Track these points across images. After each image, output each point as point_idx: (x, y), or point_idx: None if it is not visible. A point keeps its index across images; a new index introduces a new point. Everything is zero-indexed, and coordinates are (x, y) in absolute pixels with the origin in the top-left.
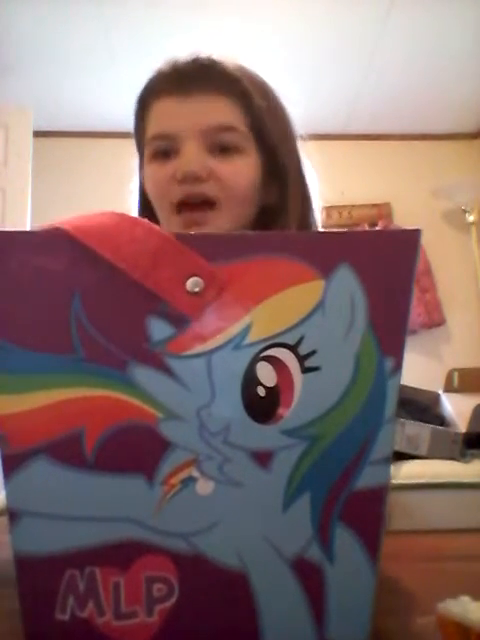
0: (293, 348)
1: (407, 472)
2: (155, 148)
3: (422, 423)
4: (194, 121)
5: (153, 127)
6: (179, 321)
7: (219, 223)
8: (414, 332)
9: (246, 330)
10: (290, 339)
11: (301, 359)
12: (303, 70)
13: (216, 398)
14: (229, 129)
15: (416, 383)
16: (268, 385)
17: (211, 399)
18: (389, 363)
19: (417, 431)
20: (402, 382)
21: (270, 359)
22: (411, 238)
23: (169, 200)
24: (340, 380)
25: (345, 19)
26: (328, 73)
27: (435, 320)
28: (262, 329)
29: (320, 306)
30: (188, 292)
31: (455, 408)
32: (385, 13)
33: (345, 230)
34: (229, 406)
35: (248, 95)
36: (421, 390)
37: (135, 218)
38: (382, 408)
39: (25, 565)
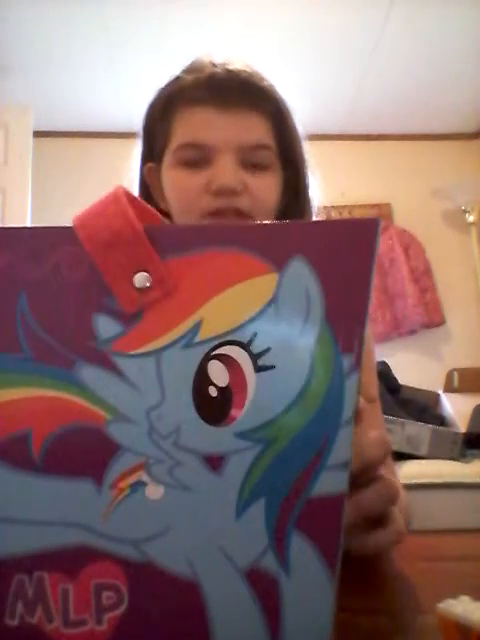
0: (245, 346)
1: (407, 472)
2: (184, 156)
3: (422, 423)
4: (232, 135)
5: (186, 134)
6: (127, 319)
7: None
8: (414, 332)
9: (196, 327)
10: (242, 336)
11: (254, 357)
12: (303, 70)
13: (166, 399)
14: (264, 148)
15: (416, 383)
16: (220, 385)
17: (161, 400)
18: (347, 361)
19: (417, 431)
20: (402, 382)
21: (222, 358)
22: (369, 228)
23: (200, 209)
24: (295, 379)
25: (345, 19)
26: (328, 73)
27: (435, 320)
28: (213, 326)
29: (273, 301)
30: (133, 286)
31: (455, 408)
32: (385, 13)
33: (300, 221)
34: (180, 407)
35: (282, 115)
36: (421, 390)
37: (119, 195)
38: (339, 409)
39: None
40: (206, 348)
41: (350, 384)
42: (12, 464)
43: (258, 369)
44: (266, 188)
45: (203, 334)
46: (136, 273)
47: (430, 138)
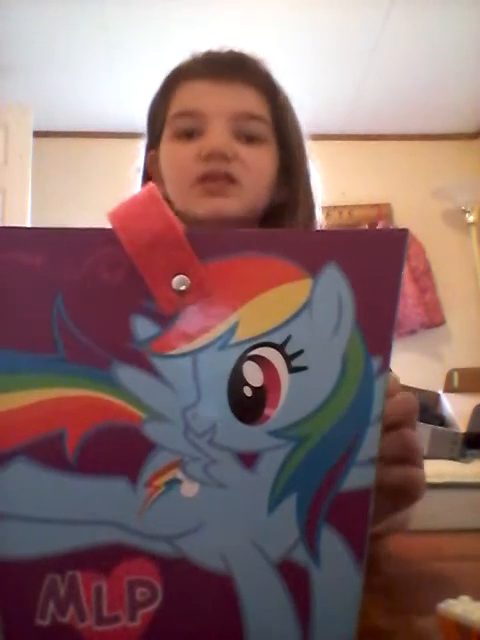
0: (280, 348)
1: None
2: (179, 126)
3: (422, 423)
4: (225, 104)
5: (181, 104)
6: (164, 320)
7: (237, 200)
8: (414, 332)
9: (233, 329)
10: (277, 338)
11: (288, 359)
12: (303, 70)
13: (202, 398)
14: (257, 118)
15: (416, 383)
16: (255, 385)
17: (197, 399)
18: (376, 363)
19: (417, 431)
20: (402, 382)
21: (257, 359)
22: (399, 238)
23: (191, 176)
24: (327, 380)
25: (345, 19)
26: (328, 73)
27: (435, 320)
28: (249, 328)
29: (307, 305)
30: (172, 288)
31: (455, 408)
32: (385, 13)
33: (334, 230)
34: (215, 406)
35: (275, 90)
36: (421, 390)
37: (158, 197)
38: (369, 408)
39: (4, 570)
40: (242, 349)
41: (379, 384)
42: (46, 464)
43: (292, 370)
44: (258, 159)
45: (239, 336)
46: (175, 276)
47: (430, 138)
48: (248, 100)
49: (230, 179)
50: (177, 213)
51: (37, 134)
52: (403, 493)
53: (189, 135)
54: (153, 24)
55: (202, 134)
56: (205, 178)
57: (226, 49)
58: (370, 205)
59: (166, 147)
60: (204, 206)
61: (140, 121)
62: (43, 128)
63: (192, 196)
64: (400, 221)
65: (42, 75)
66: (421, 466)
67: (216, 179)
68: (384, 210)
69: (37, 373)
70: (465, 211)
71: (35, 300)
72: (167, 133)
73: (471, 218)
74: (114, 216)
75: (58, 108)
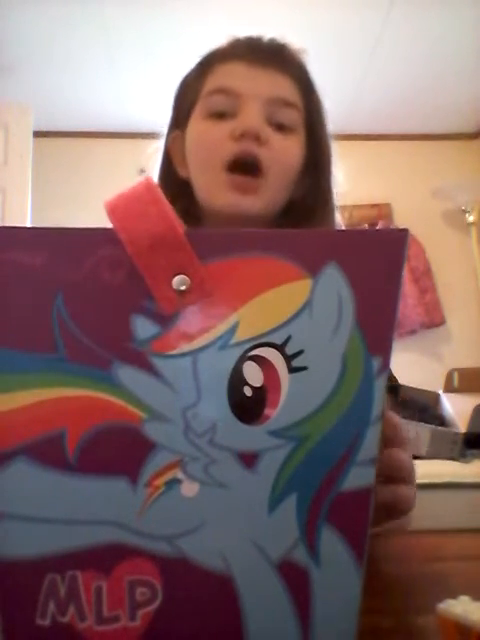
0: (280, 348)
1: None
2: (212, 104)
3: (422, 423)
4: (261, 87)
5: (217, 82)
6: (164, 320)
7: (259, 200)
8: (414, 332)
9: (233, 329)
10: (277, 338)
11: (288, 359)
12: None
13: (202, 398)
14: (291, 106)
15: (416, 383)
16: (255, 385)
17: (197, 399)
18: (376, 363)
19: (417, 431)
20: (402, 382)
21: (257, 359)
22: (399, 238)
23: (221, 157)
24: (327, 380)
25: (345, 19)
26: (328, 73)
27: (435, 320)
28: (249, 328)
29: (308, 305)
30: (172, 288)
31: (455, 408)
32: (385, 13)
33: (334, 229)
34: (215, 406)
35: (309, 83)
36: (421, 390)
37: (158, 195)
38: (369, 408)
39: (4, 569)
40: (242, 349)
41: (379, 384)
42: (46, 464)
43: (292, 370)
44: (288, 148)
45: (239, 336)
46: (175, 276)
47: (430, 138)
48: (284, 87)
49: (258, 169)
50: (197, 198)
51: (37, 134)
52: (393, 509)
53: (221, 116)
54: (153, 24)
55: (235, 116)
56: (234, 166)
57: (267, 37)
58: (370, 205)
59: (196, 126)
60: (228, 200)
61: (140, 121)
62: (43, 128)
63: (217, 184)
64: (400, 221)
65: (42, 75)
66: (411, 482)
67: (246, 170)
68: (384, 210)
69: (37, 373)
70: (465, 211)
71: (35, 300)
72: (198, 111)
73: (471, 218)
74: (113, 213)
75: (58, 108)
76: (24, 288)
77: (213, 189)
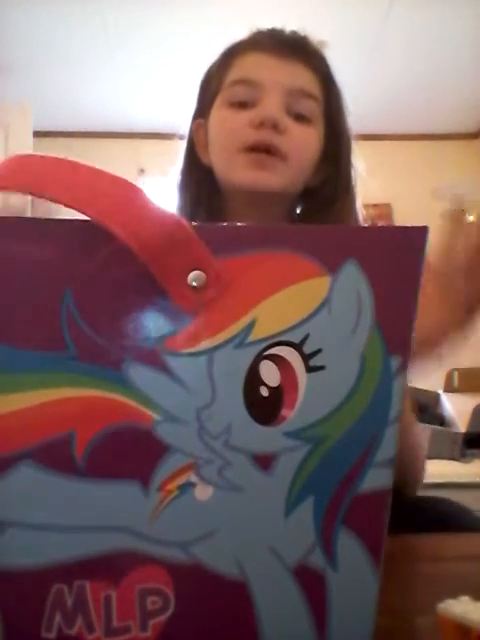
0: (298, 346)
1: None
2: (234, 94)
3: (422, 423)
4: (282, 78)
5: (239, 73)
6: (178, 317)
7: (278, 176)
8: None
9: (249, 327)
10: (295, 337)
11: (306, 358)
12: None
13: (217, 399)
14: (311, 97)
15: (416, 383)
16: (271, 385)
17: (212, 400)
18: (395, 362)
19: None
20: None
21: (274, 358)
22: (419, 235)
23: (240, 142)
24: (345, 380)
25: (345, 19)
26: None
27: None
28: (266, 327)
29: (326, 303)
30: (188, 286)
31: (455, 408)
32: (385, 13)
33: (353, 225)
34: (230, 407)
35: (330, 76)
36: (421, 390)
37: (146, 196)
38: (387, 408)
39: (8, 580)
40: (258, 348)
41: (397, 385)
42: (53, 468)
43: (309, 369)
44: (306, 138)
45: (256, 334)
46: (190, 272)
47: (430, 138)
48: (304, 78)
49: (277, 152)
50: (217, 180)
51: (37, 134)
52: None
53: (242, 105)
54: (153, 24)
55: (255, 106)
56: (253, 148)
57: (289, 29)
58: (370, 205)
59: (218, 113)
60: (245, 175)
61: (140, 121)
62: (43, 128)
63: (236, 163)
64: (400, 221)
65: (42, 75)
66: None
67: (263, 151)
68: (384, 210)
69: (43, 372)
70: (465, 211)
71: (43, 295)
72: (220, 100)
73: (471, 218)
74: (116, 222)
75: (58, 108)
76: (31, 282)
77: (232, 168)
